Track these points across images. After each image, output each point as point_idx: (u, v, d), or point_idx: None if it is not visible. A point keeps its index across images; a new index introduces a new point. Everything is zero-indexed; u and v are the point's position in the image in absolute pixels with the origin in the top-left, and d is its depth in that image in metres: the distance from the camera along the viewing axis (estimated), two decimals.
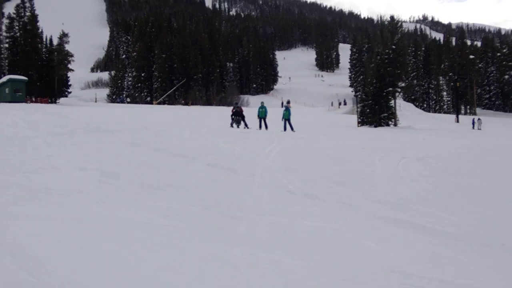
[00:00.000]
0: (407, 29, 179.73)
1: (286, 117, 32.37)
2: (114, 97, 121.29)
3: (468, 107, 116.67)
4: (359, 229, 7.88)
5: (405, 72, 52.00)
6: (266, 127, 31.97)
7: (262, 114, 32.46)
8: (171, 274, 5.27)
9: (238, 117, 32.01)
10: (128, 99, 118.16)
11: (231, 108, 34.50)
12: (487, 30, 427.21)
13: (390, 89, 48.54)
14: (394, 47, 49.73)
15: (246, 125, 31.82)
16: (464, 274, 5.99)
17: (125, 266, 5.40)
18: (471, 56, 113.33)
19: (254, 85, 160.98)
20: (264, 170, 13.06)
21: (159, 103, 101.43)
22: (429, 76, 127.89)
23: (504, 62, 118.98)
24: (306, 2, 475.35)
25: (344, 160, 15.85)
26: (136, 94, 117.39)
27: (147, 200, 9.18)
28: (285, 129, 31.59)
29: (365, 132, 34.83)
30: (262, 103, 33.27)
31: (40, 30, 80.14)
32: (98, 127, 24.25)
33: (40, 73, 74.49)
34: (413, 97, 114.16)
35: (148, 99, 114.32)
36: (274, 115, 36.17)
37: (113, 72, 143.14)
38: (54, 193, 9.45)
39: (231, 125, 31.91)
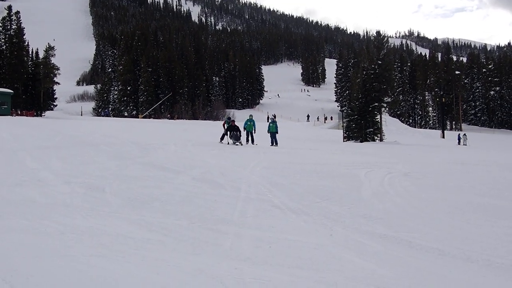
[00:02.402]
0: (393, 44, 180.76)
1: (273, 130, 31.71)
2: (99, 110, 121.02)
3: (454, 122, 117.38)
4: (345, 244, 7.88)
5: (391, 87, 51.98)
6: (253, 141, 30.88)
7: (250, 128, 31.04)
8: None
9: (236, 132, 29.33)
10: (111, 113, 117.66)
11: (222, 122, 32.28)
12: (472, 46, 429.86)
13: (376, 104, 48.59)
14: (380, 62, 49.81)
15: (240, 141, 29.37)
16: None
17: (110, 281, 5.37)
18: (457, 72, 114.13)
19: (240, 100, 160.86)
20: (250, 185, 13.05)
21: (145, 117, 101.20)
22: (414, 92, 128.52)
23: (489, 78, 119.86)
24: (292, 16, 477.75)
25: (330, 175, 15.84)
26: (122, 108, 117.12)
27: (133, 214, 9.16)
28: (272, 143, 30.97)
29: (351, 147, 34.82)
30: (250, 116, 31.99)
31: (26, 43, 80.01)
32: (83, 141, 24.20)
33: (25, 86, 74.34)
34: (398, 112, 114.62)
35: (134, 112, 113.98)
36: (260, 129, 35.97)
37: (99, 86, 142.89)
38: (39, 206, 9.42)
39: (221, 140, 29.70)
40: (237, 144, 28.53)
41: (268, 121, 48.92)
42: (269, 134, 31.68)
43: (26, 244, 6.68)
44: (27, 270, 5.54)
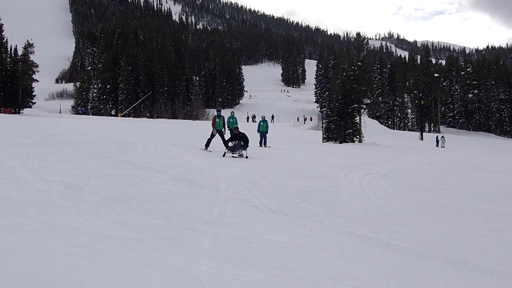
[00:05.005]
0: (373, 46, 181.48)
1: (264, 130, 31.56)
2: (78, 108, 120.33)
3: (432, 125, 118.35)
4: (323, 245, 7.89)
5: (370, 89, 52.26)
6: None
7: (232, 125, 28.05)
8: None
9: (240, 141, 21.95)
10: (90, 111, 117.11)
11: (212, 121, 24.74)
12: (452, 49, 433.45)
13: (355, 105, 48.87)
14: (360, 64, 50.12)
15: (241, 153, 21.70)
16: None
17: (87, 279, 5.34)
18: (436, 75, 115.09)
19: (220, 99, 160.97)
20: (229, 184, 13.06)
21: (124, 116, 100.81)
22: (394, 93, 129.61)
23: (468, 81, 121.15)
24: (273, 17, 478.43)
25: (309, 175, 15.88)
26: (101, 106, 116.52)
27: (111, 213, 9.12)
28: (261, 143, 30.72)
29: (330, 148, 34.88)
30: (232, 112, 30.12)
31: (4, 40, 79.37)
32: (62, 139, 24.02)
33: (4, 83, 73.67)
34: (378, 114, 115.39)
35: (113, 111, 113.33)
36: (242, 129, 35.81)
37: (78, 84, 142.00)
38: (16, 204, 9.34)
39: (206, 146, 23.50)
40: (234, 156, 21.29)
41: (250, 121, 48.73)
42: (258, 133, 31.42)
43: (2, 242, 6.63)
44: (4, 268, 5.49)
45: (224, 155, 21.30)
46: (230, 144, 22.16)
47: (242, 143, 21.86)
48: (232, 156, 21.19)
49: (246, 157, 21.20)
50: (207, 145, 23.59)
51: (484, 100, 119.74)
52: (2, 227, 7.52)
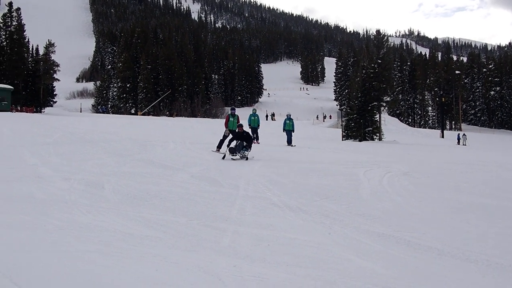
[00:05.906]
0: (393, 44, 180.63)
1: (290, 128, 30.15)
2: (98, 107, 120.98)
3: (453, 122, 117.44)
4: (343, 243, 7.86)
5: (390, 86, 51.76)
6: (257, 138, 28.52)
7: (255, 123, 28.41)
8: (154, 286, 5.24)
9: (242, 142, 19.45)
10: (110, 110, 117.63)
11: (225, 120, 23.42)
12: (473, 45, 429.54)
13: (375, 103, 48.50)
14: (379, 61, 49.68)
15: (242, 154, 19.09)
16: None
17: (108, 277, 5.37)
18: (457, 72, 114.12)
19: (239, 97, 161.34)
20: (248, 183, 13.04)
21: (143, 114, 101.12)
22: (414, 91, 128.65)
23: (490, 78, 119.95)
24: (292, 15, 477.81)
25: (329, 173, 15.82)
26: (121, 105, 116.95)
27: (131, 211, 9.16)
28: (289, 142, 29.19)
29: (349, 146, 34.70)
30: (254, 110, 29.90)
31: (26, 40, 79.99)
32: (82, 137, 24.15)
33: (25, 82, 74.37)
34: (398, 111, 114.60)
35: (133, 110, 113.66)
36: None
37: (98, 83, 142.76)
38: (38, 202, 9.43)
39: (218, 148, 20.80)
40: (234, 158, 18.84)
41: (270, 119, 48.43)
42: (284, 132, 30.50)
43: (26, 240, 6.69)
44: (27, 265, 5.54)
45: (223, 158, 19.01)
46: (231, 144, 19.45)
47: (245, 143, 19.48)
48: (232, 159, 18.80)
49: (247, 158, 19.06)
50: (219, 146, 20.93)
51: (507, 97, 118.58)
52: (25, 225, 7.59)
